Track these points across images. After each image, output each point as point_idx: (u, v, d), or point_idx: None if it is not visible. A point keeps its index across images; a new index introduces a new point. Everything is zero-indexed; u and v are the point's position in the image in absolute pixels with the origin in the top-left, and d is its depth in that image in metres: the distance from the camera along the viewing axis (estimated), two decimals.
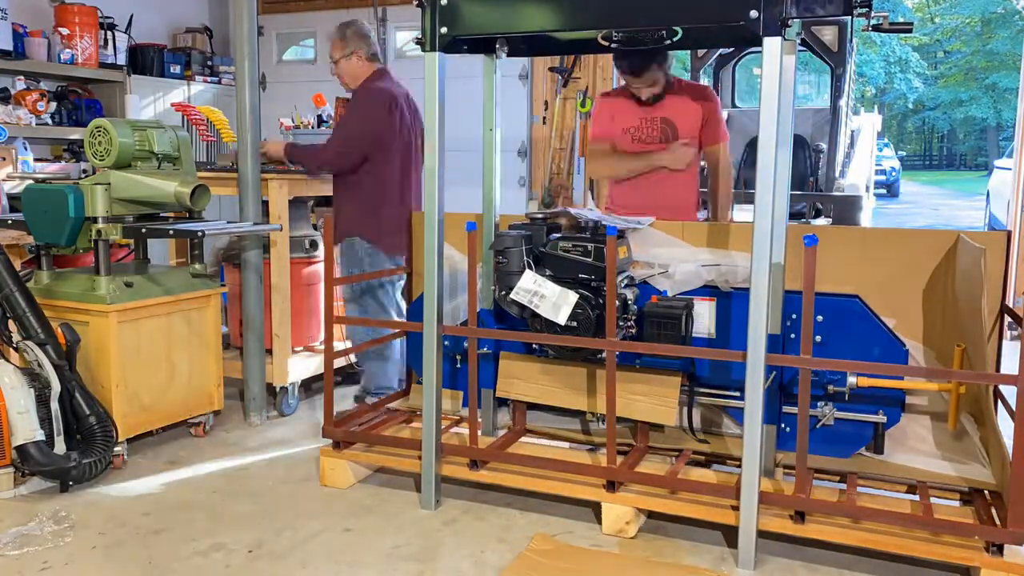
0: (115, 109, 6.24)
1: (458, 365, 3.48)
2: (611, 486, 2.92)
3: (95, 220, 3.42)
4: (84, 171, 4.99)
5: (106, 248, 3.45)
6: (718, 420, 3.25)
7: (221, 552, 2.78)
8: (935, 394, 3.02)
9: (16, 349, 3.26)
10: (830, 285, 2.99)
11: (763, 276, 2.56)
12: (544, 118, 6.54)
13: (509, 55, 3.30)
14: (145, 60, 6.62)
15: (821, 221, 5.80)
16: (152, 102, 6.53)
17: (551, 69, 6.43)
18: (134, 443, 3.63)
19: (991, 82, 28.59)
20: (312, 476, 3.40)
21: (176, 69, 6.81)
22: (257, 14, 3.98)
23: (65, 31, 5.89)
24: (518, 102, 6.50)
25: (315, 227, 4.55)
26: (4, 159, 4.69)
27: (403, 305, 4.17)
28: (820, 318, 2.92)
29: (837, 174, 6.34)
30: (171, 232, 3.60)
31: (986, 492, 2.79)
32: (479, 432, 3.20)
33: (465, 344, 3.29)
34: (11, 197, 4.34)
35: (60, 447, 3.19)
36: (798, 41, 2.77)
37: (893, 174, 22.80)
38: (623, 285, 3.08)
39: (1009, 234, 3.01)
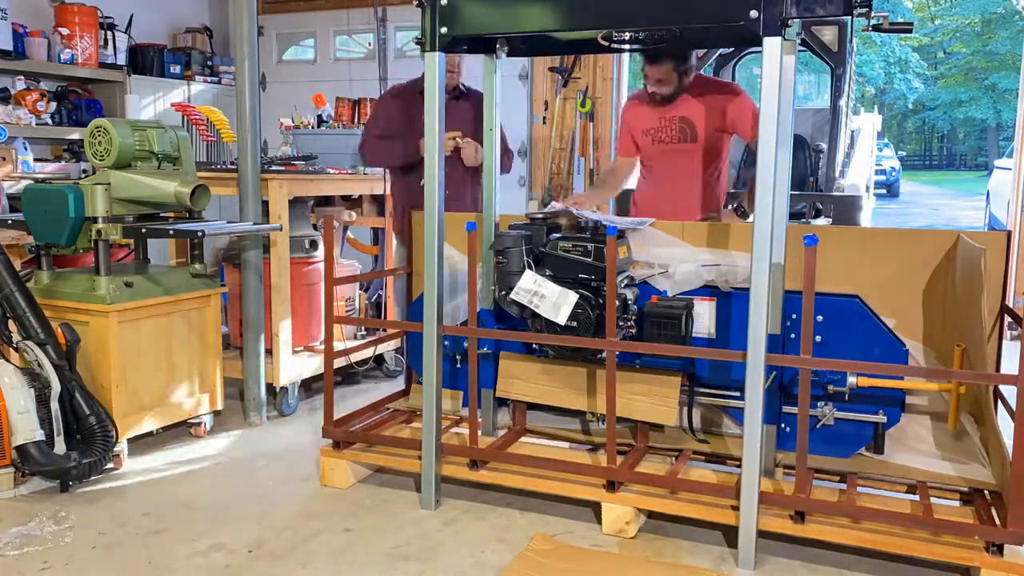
0: (115, 109, 6.24)
1: (458, 365, 3.48)
2: (611, 486, 2.92)
3: (95, 220, 3.42)
4: (84, 171, 5.00)
5: (106, 248, 3.45)
6: (718, 420, 3.25)
7: (221, 552, 2.78)
8: (935, 394, 3.02)
9: (16, 349, 3.26)
10: (830, 285, 2.99)
11: (763, 276, 2.56)
12: (544, 118, 6.54)
13: (509, 55, 3.30)
14: (145, 60, 6.62)
15: (821, 221, 5.80)
16: (152, 102, 6.53)
17: (551, 69, 6.43)
18: (134, 443, 3.63)
19: (991, 82, 28.59)
20: (312, 476, 3.40)
21: (176, 69, 6.81)
22: (257, 14, 3.98)
23: (65, 31, 5.89)
24: (518, 102, 6.50)
25: (315, 227, 4.55)
26: (4, 159, 4.69)
27: None
28: (820, 318, 2.92)
29: (837, 174, 6.34)
30: (171, 232, 3.60)
31: (986, 492, 2.79)
32: (479, 432, 3.20)
33: (465, 344, 3.29)
34: (11, 197, 4.34)
35: (60, 447, 3.19)
36: (798, 41, 2.77)
37: (893, 174, 22.80)
38: (623, 285, 3.08)
39: (1009, 234, 3.01)
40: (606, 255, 2.87)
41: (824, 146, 6.37)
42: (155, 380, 3.62)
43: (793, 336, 2.90)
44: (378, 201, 4.84)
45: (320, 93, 4.89)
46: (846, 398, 2.93)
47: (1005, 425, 2.68)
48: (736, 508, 2.70)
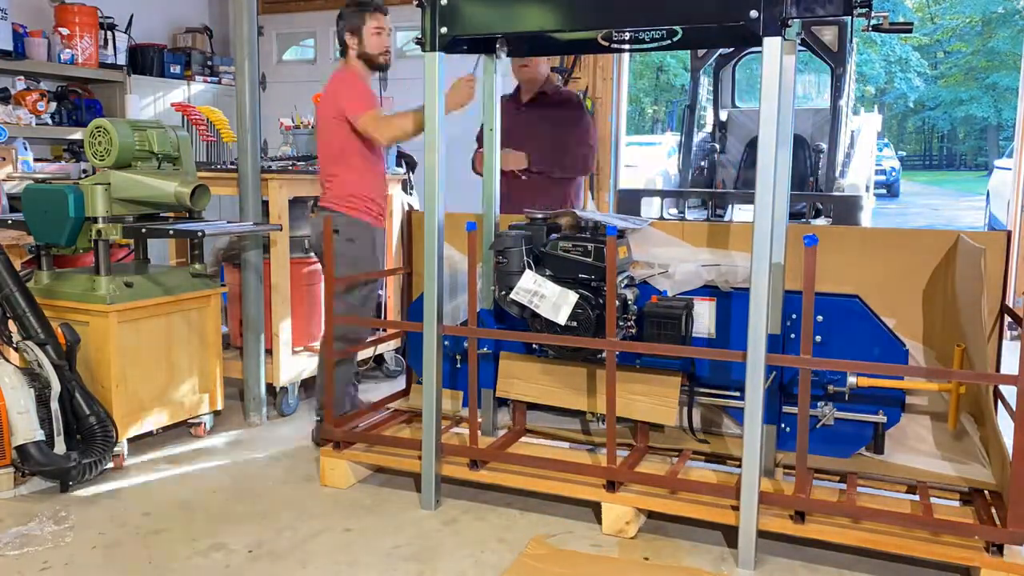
0: (115, 109, 6.24)
1: (458, 365, 3.48)
2: (611, 486, 2.92)
3: (95, 220, 3.42)
4: (84, 171, 5.00)
5: (106, 248, 3.45)
6: (718, 420, 3.25)
7: (221, 552, 2.78)
8: (935, 394, 3.02)
9: (16, 349, 3.26)
10: (830, 285, 2.99)
11: (763, 276, 2.56)
12: None
13: (509, 55, 3.30)
14: (145, 60, 6.62)
15: (821, 221, 5.80)
16: (152, 102, 6.53)
17: (551, 69, 6.42)
18: (134, 443, 3.63)
19: (991, 82, 28.58)
20: (312, 476, 3.40)
21: (176, 69, 6.81)
22: (257, 14, 3.98)
23: (65, 31, 5.88)
24: None
25: None
26: (4, 159, 4.69)
27: None
28: (820, 318, 2.92)
29: (837, 174, 6.34)
30: (171, 232, 3.60)
31: (986, 492, 2.79)
32: (479, 432, 3.20)
33: (465, 344, 3.29)
34: (11, 197, 4.34)
35: (60, 447, 3.19)
36: (798, 41, 2.77)
37: (893, 174, 22.79)
38: (623, 285, 3.08)
39: (1009, 234, 3.01)
40: (606, 255, 2.87)
41: (824, 146, 6.37)
42: (155, 380, 3.62)
43: (793, 336, 2.90)
44: None
45: (320, 93, 4.88)
46: (846, 398, 2.93)
47: (1005, 425, 2.69)
48: (736, 508, 2.70)
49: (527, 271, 3.04)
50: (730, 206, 5.88)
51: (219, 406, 3.94)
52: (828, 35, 6.00)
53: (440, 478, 3.14)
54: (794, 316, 2.90)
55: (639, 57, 22.05)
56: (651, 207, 5.71)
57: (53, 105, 5.89)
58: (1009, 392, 2.67)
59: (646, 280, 3.23)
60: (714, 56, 6.91)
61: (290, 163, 4.38)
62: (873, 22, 2.57)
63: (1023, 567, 2.45)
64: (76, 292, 3.45)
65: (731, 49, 6.92)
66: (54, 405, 3.18)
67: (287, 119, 4.85)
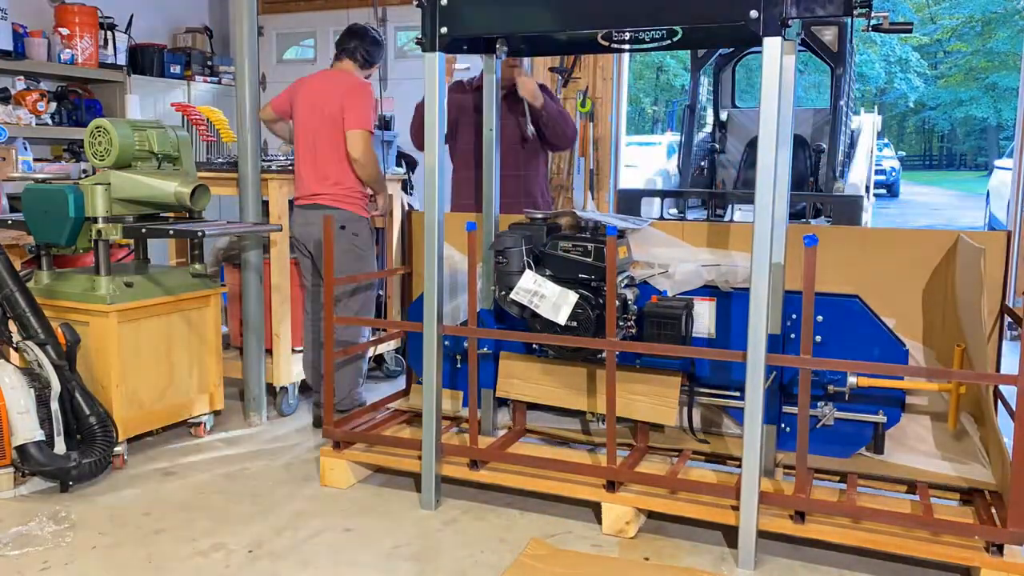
0: (115, 109, 6.24)
1: (458, 365, 3.48)
2: (611, 486, 2.92)
3: (95, 220, 3.42)
4: (84, 171, 4.99)
5: (106, 248, 3.45)
6: (718, 420, 3.25)
7: (221, 552, 2.78)
8: (935, 394, 3.02)
9: (16, 349, 3.26)
10: (830, 285, 2.99)
11: (763, 276, 2.56)
12: None
13: (509, 55, 3.30)
14: (145, 60, 6.62)
15: (821, 221, 5.80)
16: (152, 102, 6.53)
17: (551, 69, 6.42)
18: (134, 443, 3.63)
19: (991, 82, 28.56)
20: (312, 476, 3.40)
21: (176, 69, 6.81)
22: (257, 14, 3.97)
23: (65, 31, 5.89)
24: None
25: None
26: (4, 159, 4.69)
27: None
28: (820, 318, 2.92)
29: (837, 174, 6.34)
30: (171, 232, 3.60)
31: (986, 492, 2.79)
32: (479, 432, 3.20)
33: (465, 344, 3.29)
34: (11, 197, 4.34)
35: (60, 447, 3.19)
36: (798, 41, 2.77)
37: (893, 174, 22.78)
38: (623, 285, 3.08)
39: (1009, 234, 3.01)
40: (606, 255, 2.87)
41: (824, 146, 6.37)
42: (155, 380, 3.62)
43: (793, 336, 2.90)
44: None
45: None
46: (846, 398, 2.93)
47: (1005, 425, 2.69)
48: (736, 508, 2.70)
49: (527, 271, 3.04)
50: (730, 206, 5.88)
51: (219, 406, 3.94)
52: (828, 35, 6.00)
53: (440, 478, 3.14)
54: (794, 316, 2.90)
55: (639, 57, 22.05)
56: (651, 207, 5.70)
57: (53, 105, 5.89)
58: (1009, 392, 2.68)
59: (646, 280, 3.23)
60: (714, 56, 6.91)
61: (290, 163, 4.37)
62: (873, 22, 2.57)
63: (1023, 567, 2.45)
64: (76, 292, 3.45)
65: (731, 49, 6.92)
66: (54, 405, 3.18)
67: None
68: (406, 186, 4.97)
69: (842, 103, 6.31)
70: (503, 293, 3.09)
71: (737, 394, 3.09)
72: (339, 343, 3.60)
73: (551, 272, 3.06)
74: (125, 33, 6.41)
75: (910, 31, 2.81)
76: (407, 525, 2.99)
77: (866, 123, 7.62)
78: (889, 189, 22.44)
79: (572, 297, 3.00)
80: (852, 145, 7.00)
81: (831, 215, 5.92)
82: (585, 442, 3.33)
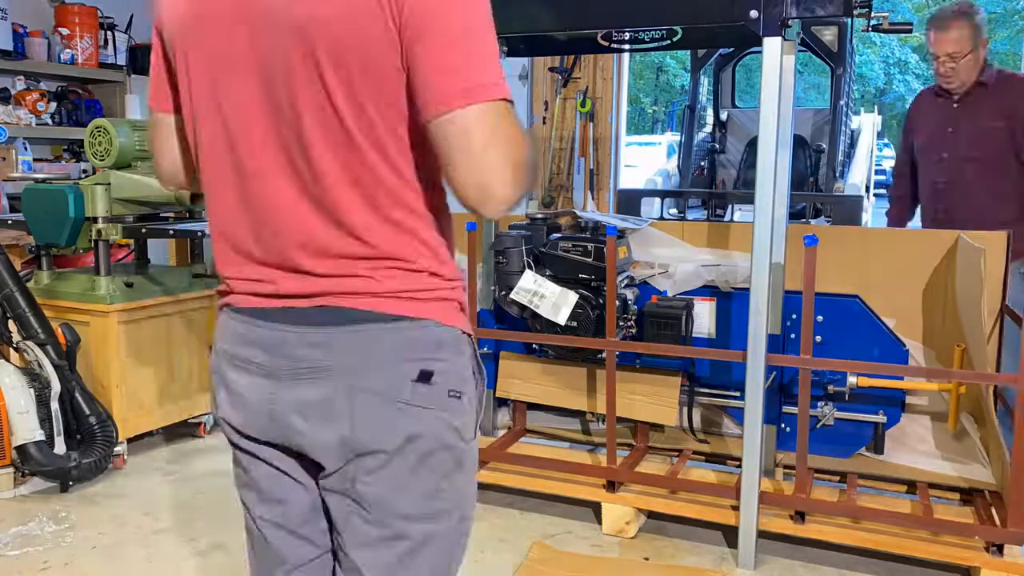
0: (115, 109, 6.23)
1: None
2: (611, 486, 2.92)
3: (95, 220, 3.42)
4: (84, 171, 5.00)
5: (106, 248, 3.45)
6: (718, 420, 3.25)
7: (221, 552, 2.78)
8: (935, 394, 3.02)
9: (16, 349, 3.26)
10: (830, 285, 2.99)
11: (763, 276, 2.56)
12: (544, 118, 6.54)
13: (509, 55, 3.30)
14: (145, 60, 6.58)
15: (821, 221, 5.80)
16: None
17: (551, 69, 6.43)
18: (134, 443, 3.63)
19: None
20: None
21: None
22: None
23: (65, 31, 5.88)
24: (518, 102, 6.40)
25: None
26: (4, 159, 4.69)
27: None
28: (820, 318, 2.92)
29: (837, 175, 6.34)
30: (171, 232, 3.60)
31: (986, 492, 2.79)
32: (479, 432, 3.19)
33: None
34: (11, 197, 4.34)
35: (60, 447, 3.19)
36: (798, 41, 2.77)
37: None
38: (623, 285, 3.08)
39: (1009, 234, 3.01)
40: (606, 255, 2.87)
41: (824, 146, 6.37)
42: (155, 380, 3.62)
43: (793, 336, 2.90)
44: None
45: None
46: (846, 398, 2.93)
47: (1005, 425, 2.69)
48: (736, 508, 2.70)
49: (527, 271, 3.04)
50: (730, 206, 5.88)
51: None
52: (828, 35, 6.00)
53: None
54: (794, 316, 2.90)
55: (639, 57, 22.04)
56: (651, 207, 5.70)
57: (53, 105, 5.88)
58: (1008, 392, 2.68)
59: (646, 280, 3.23)
60: (714, 56, 6.90)
61: None
62: (873, 22, 2.57)
63: (1023, 567, 2.45)
64: (76, 292, 3.45)
65: (731, 49, 6.91)
66: (54, 405, 3.18)
67: None
68: None
69: (842, 103, 6.31)
70: (503, 293, 3.09)
71: (737, 394, 3.09)
72: None
73: (551, 272, 3.06)
74: (125, 33, 6.40)
75: (910, 31, 2.81)
76: None
77: (866, 123, 7.61)
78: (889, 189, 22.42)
79: (572, 297, 2.99)
80: (852, 145, 6.99)
81: (831, 215, 5.92)
82: (585, 442, 3.33)
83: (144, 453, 3.63)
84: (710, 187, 6.83)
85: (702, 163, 6.96)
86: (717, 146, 7.06)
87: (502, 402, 3.48)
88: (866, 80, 29.48)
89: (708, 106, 7.24)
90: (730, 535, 2.82)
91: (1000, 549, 2.50)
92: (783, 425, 3.01)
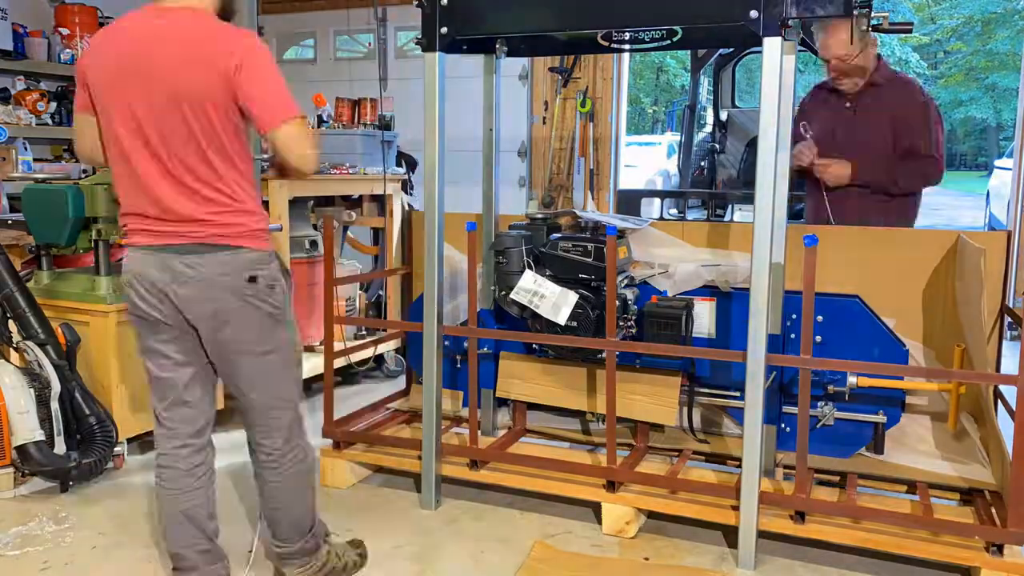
0: None
1: (458, 365, 3.48)
2: (611, 486, 2.92)
3: (95, 220, 3.42)
4: (84, 171, 4.99)
5: (106, 248, 3.45)
6: (718, 420, 3.25)
7: None
8: (935, 394, 3.02)
9: (16, 349, 3.26)
10: (830, 285, 2.99)
11: (763, 276, 2.56)
12: (544, 118, 6.54)
13: (509, 55, 3.30)
14: None
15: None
16: None
17: (551, 69, 6.43)
18: (134, 443, 3.63)
19: (991, 82, 28.56)
20: None
21: None
22: (257, 14, 3.98)
23: (65, 31, 5.88)
24: (518, 102, 6.49)
25: (315, 227, 4.55)
26: (4, 159, 4.69)
27: None
28: (820, 318, 2.92)
29: None
30: None
31: (986, 492, 2.79)
32: (479, 432, 3.20)
33: (465, 344, 3.29)
34: (11, 197, 4.34)
35: (60, 447, 3.19)
36: (798, 41, 2.78)
37: None
38: (623, 285, 3.08)
39: (1009, 234, 3.01)
40: (606, 255, 2.87)
41: None
42: None
43: (793, 336, 2.90)
44: (378, 201, 4.83)
45: (320, 93, 4.88)
46: (846, 398, 2.93)
47: (1005, 425, 2.69)
48: (736, 508, 2.70)
49: (527, 271, 3.04)
50: (730, 206, 5.88)
51: (219, 406, 3.92)
52: None
53: (440, 478, 3.13)
54: (794, 316, 2.90)
55: (639, 57, 22.05)
56: (651, 207, 5.71)
57: (53, 105, 5.88)
58: (1009, 392, 2.68)
59: (646, 280, 3.23)
60: (714, 56, 6.91)
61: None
62: (873, 22, 2.57)
63: (1023, 567, 2.45)
64: (76, 292, 3.45)
65: (731, 49, 6.92)
66: (54, 405, 3.18)
67: None
68: (406, 186, 4.96)
69: None
70: (503, 293, 3.09)
71: (737, 394, 3.09)
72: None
73: (551, 272, 3.06)
74: None
75: (910, 31, 2.82)
76: (407, 525, 2.99)
77: None
78: None
79: (572, 297, 3.00)
80: None
81: None
82: (585, 442, 3.33)
83: (144, 453, 3.63)
84: (710, 187, 6.83)
85: (702, 163, 6.97)
86: (717, 146, 7.07)
87: (502, 402, 3.48)
88: None
89: (708, 106, 7.25)
90: (730, 535, 2.82)
91: (1000, 549, 2.50)
92: (783, 425, 3.01)
